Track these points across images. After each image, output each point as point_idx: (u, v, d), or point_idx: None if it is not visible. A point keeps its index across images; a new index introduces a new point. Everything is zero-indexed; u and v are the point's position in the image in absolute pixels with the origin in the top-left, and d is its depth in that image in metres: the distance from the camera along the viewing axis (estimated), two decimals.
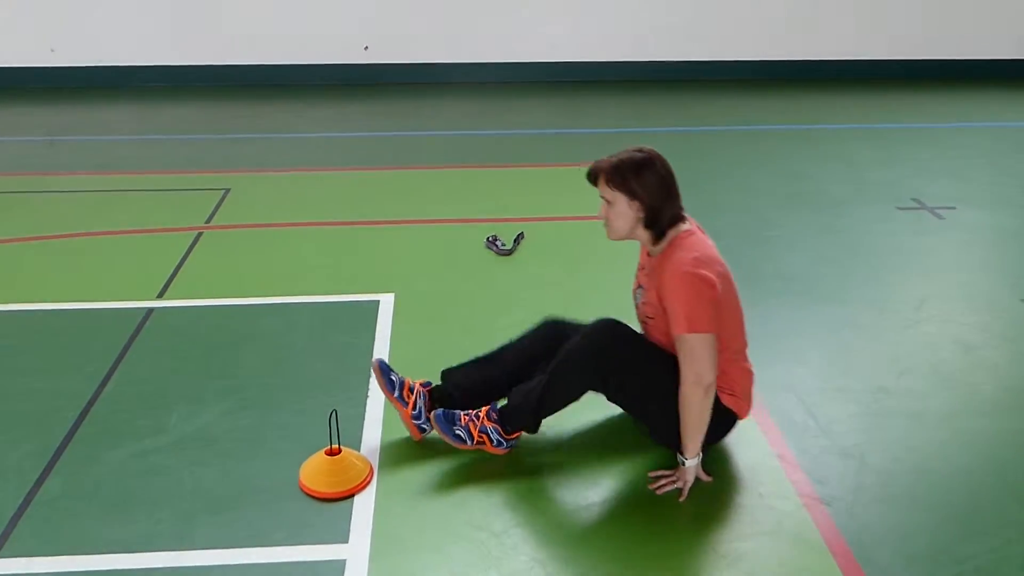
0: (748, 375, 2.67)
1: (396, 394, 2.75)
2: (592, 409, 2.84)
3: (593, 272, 4.10)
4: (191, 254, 4.37)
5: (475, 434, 2.65)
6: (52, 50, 8.37)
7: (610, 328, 2.59)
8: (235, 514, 2.48)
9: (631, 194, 2.47)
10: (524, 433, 2.72)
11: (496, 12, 8.47)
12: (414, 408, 2.74)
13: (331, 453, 2.58)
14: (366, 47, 8.51)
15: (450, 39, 8.55)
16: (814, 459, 2.72)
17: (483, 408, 2.69)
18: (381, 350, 3.37)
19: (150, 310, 3.74)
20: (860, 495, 2.56)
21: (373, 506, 2.49)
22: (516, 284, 3.99)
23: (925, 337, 3.52)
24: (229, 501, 2.53)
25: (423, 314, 3.69)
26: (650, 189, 2.47)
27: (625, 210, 2.49)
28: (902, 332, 3.57)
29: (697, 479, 2.55)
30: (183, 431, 2.88)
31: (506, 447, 2.69)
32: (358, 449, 2.74)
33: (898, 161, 5.96)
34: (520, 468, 2.67)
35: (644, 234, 2.54)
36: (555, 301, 3.67)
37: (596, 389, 2.65)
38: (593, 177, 2.54)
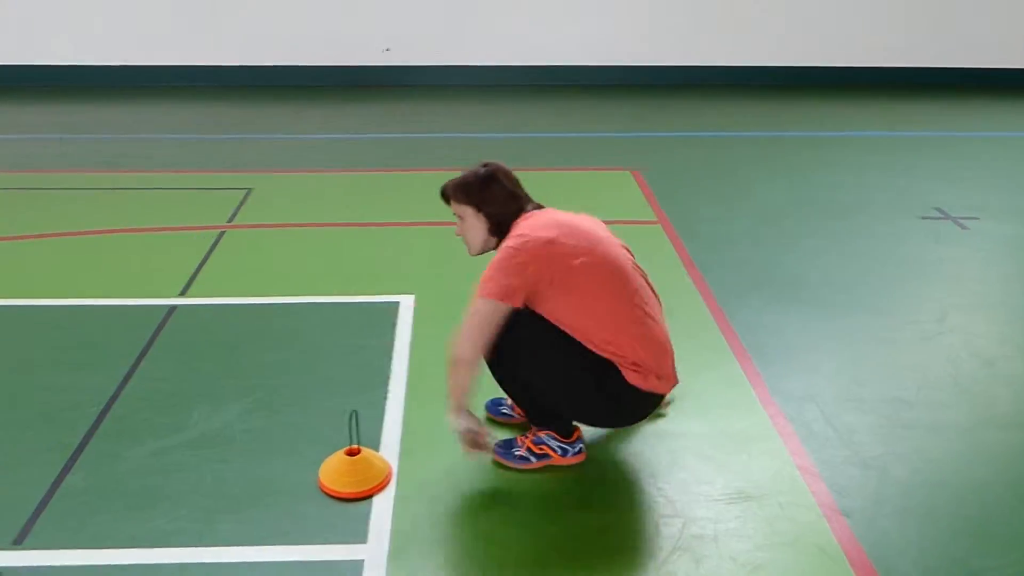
0: (653, 343, 2.52)
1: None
2: None
3: None
4: (213, 253, 4.40)
5: (535, 448, 2.67)
6: (74, 49, 8.47)
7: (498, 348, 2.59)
8: (254, 512, 2.49)
9: (477, 207, 2.58)
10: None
11: (508, 14, 8.49)
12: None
13: (351, 453, 2.59)
14: (387, 49, 8.56)
15: (467, 41, 8.58)
16: (834, 470, 2.70)
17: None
18: (401, 351, 3.38)
19: (173, 307, 3.77)
20: (880, 507, 2.54)
21: (392, 507, 2.50)
22: None
23: (946, 349, 3.50)
24: (248, 499, 2.55)
25: (443, 315, 3.68)
26: (496, 200, 2.57)
27: (475, 223, 2.61)
28: (923, 343, 3.55)
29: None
30: (203, 429, 2.90)
31: (573, 453, 2.69)
32: (377, 450, 2.75)
33: (919, 170, 5.93)
34: (538, 474, 2.67)
35: (492, 242, 2.62)
36: None
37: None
38: (445, 197, 2.67)
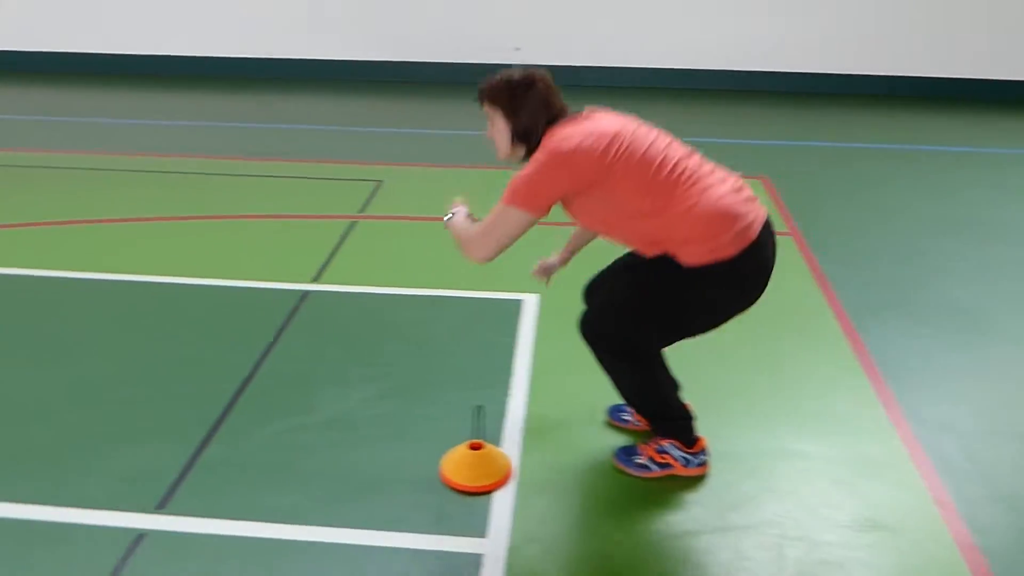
0: (696, 217, 2.33)
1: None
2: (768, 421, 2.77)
3: None
4: (345, 241, 4.53)
5: (657, 457, 2.65)
6: (229, 42, 8.89)
7: (591, 328, 2.55)
8: (376, 497, 2.55)
9: (507, 112, 2.49)
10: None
11: (643, 16, 8.41)
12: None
13: (474, 447, 2.62)
14: (517, 48, 8.62)
15: (599, 42, 8.55)
16: (973, 505, 2.56)
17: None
18: (524, 350, 3.40)
19: (306, 293, 3.91)
20: (1023, 549, 2.40)
21: (512, 504, 2.52)
22: None
23: None
24: (371, 484, 2.61)
25: (567, 317, 3.68)
26: (528, 108, 2.46)
27: (504, 127, 2.51)
28: None
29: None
30: (331, 413, 2.99)
31: (696, 464, 2.65)
32: (498, 446, 2.78)
33: None
34: (660, 481, 2.64)
35: (520, 150, 2.51)
36: None
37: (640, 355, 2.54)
38: (480, 97, 2.56)
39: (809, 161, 6.30)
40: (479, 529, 2.42)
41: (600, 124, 2.42)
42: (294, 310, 3.73)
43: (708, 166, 2.46)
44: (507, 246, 2.45)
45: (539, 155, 2.40)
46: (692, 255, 2.35)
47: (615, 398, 2.94)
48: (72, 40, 9.08)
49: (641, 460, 2.66)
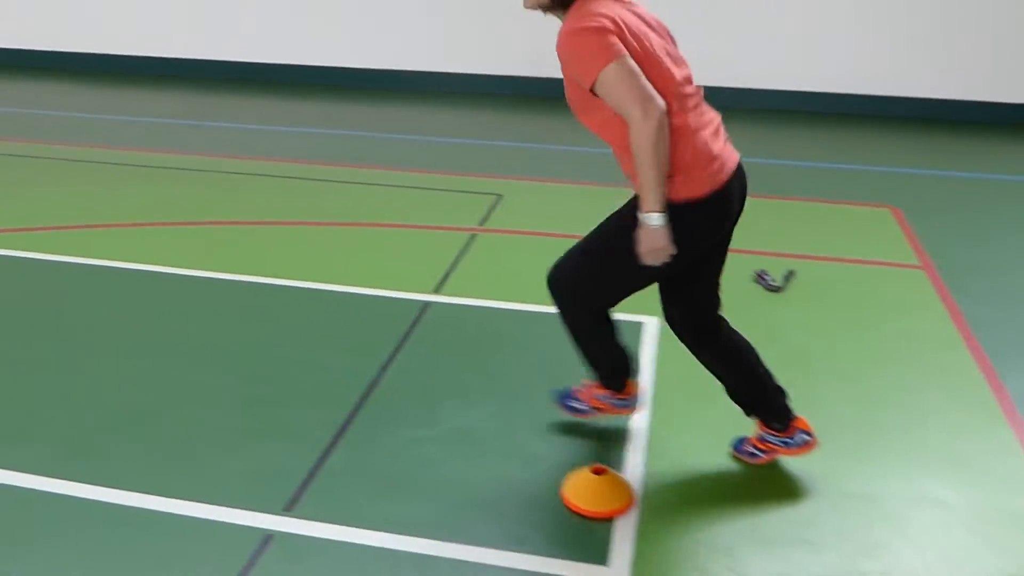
0: (689, 145, 2.34)
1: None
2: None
3: (864, 319, 3.86)
4: (465, 254, 4.57)
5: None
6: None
7: (555, 288, 2.69)
8: (498, 515, 2.55)
9: None
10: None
11: (768, 37, 8.24)
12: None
13: (597, 471, 2.59)
14: None
15: (719, 64, 8.41)
16: None
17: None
18: (645, 373, 3.35)
19: (428, 303, 3.95)
20: None
21: (634, 532, 2.48)
22: (783, 323, 3.83)
23: None
24: (492, 501, 2.61)
25: None
26: None
27: None
28: None
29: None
30: (452, 425, 3.01)
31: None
32: (620, 470, 2.74)
33: None
34: (790, 514, 2.55)
35: (546, 3, 2.39)
36: (822, 344, 3.52)
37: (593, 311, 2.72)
38: None
39: (943, 192, 6.02)
40: (600, 556, 2.39)
41: (636, 18, 2.38)
42: (416, 320, 3.78)
43: (704, 106, 2.47)
44: (648, 92, 2.21)
45: (584, 24, 2.27)
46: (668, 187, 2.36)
47: (739, 426, 2.87)
48: (224, 48, 9.52)
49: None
